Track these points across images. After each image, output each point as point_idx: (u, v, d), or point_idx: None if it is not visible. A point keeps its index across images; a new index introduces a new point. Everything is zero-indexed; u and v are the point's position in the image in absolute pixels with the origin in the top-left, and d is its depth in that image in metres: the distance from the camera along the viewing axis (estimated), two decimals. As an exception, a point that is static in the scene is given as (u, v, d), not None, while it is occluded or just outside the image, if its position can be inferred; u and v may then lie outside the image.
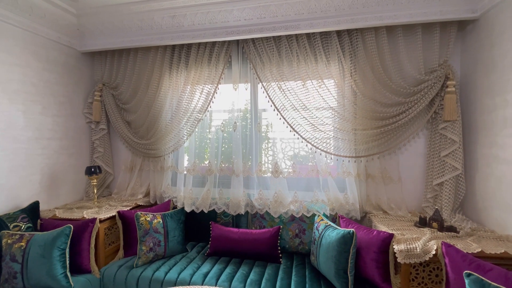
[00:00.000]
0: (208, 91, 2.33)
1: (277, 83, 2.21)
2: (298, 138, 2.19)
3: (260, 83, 2.26)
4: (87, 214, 2.09)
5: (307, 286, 1.69)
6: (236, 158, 2.26)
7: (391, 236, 1.56)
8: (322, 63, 2.17)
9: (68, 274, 1.76)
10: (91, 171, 2.33)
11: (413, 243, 1.50)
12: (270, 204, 2.17)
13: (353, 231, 1.59)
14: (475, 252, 1.40)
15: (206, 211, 2.27)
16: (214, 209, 2.28)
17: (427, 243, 1.49)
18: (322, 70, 2.17)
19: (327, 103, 2.14)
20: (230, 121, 2.35)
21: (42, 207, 2.19)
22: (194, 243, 2.33)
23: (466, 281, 1.13)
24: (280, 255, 2.02)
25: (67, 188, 2.50)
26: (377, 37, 2.06)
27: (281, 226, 2.09)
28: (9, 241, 1.75)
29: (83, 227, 1.91)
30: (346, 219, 1.92)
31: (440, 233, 1.65)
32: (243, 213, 2.25)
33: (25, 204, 2.07)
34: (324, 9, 2.00)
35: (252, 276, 1.80)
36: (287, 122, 2.19)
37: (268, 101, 2.23)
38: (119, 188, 2.67)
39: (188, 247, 2.25)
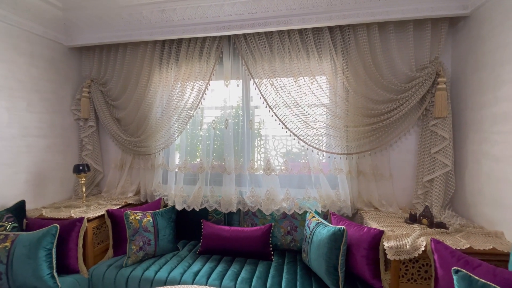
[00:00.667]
0: (199, 87, 2.29)
1: (269, 79, 2.18)
2: (290, 135, 2.18)
3: (252, 80, 2.23)
4: (75, 213, 2.05)
5: (298, 283, 1.68)
6: (227, 156, 2.24)
7: (381, 232, 1.56)
8: (314, 60, 2.15)
9: (55, 274, 1.72)
10: (79, 169, 2.28)
11: (403, 240, 1.50)
12: (262, 202, 2.16)
13: (343, 228, 1.59)
14: (464, 248, 1.41)
15: (197, 209, 2.25)
16: (205, 207, 2.26)
17: (417, 240, 1.50)
18: (314, 66, 2.15)
19: (319, 100, 2.13)
20: (222, 118, 2.32)
21: (28, 206, 2.13)
22: (185, 241, 2.31)
23: (455, 277, 1.13)
24: (272, 252, 2.01)
25: (55, 187, 2.45)
26: (369, 33, 2.05)
27: (272, 224, 2.08)
28: (-8, 241, 1.70)
29: (70, 227, 1.87)
30: (337, 216, 1.92)
31: (430, 229, 1.66)
32: (235, 211, 2.23)
33: (10, 203, 2.01)
34: (316, 5, 1.98)
35: (243, 274, 1.79)
36: (279, 119, 2.17)
37: (260, 98, 2.21)
38: (109, 187, 2.62)
39: (180, 245, 2.22)
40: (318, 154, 2.17)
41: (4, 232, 1.76)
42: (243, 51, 2.24)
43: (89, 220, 1.99)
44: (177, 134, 2.36)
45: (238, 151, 2.30)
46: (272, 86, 2.18)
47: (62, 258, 1.84)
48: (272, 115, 2.18)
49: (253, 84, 2.23)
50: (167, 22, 2.22)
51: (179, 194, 2.30)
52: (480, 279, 1.07)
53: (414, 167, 2.14)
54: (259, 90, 2.20)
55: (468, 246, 1.42)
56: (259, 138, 2.29)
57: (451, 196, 1.97)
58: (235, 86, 2.31)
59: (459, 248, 1.41)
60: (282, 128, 2.18)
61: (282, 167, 2.23)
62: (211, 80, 2.29)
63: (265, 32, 2.19)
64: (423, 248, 1.43)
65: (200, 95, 2.29)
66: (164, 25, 2.23)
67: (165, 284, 1.74)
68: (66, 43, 2.50)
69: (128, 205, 2.37)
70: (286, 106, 2.17)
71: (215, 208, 2.25)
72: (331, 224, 1.90)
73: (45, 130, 2.36)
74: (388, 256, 1.47)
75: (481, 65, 1.75)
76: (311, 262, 1.76)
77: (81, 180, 2.35)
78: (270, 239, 2.02)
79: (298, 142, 2.17)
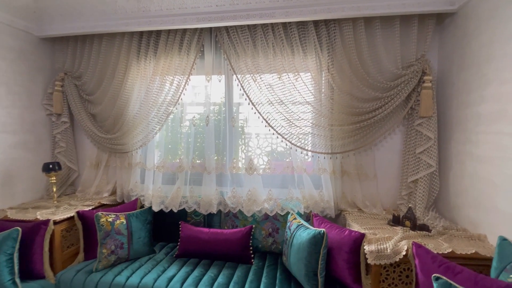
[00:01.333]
0: (179, 82, 2.18)
1: (252, 75, 2.09)
2: (273, 134, 2.09)
3: (235, 75, 2.13)
4: (41, 215, 1.91)
5: (277, 288, 1.61)
6: (208, 154, 2.14)
7: (362, 236, 1.50)
8: (299, 56, 2.07)
9: (17, 280, 1.60)
10: (48, 167, 2.15)
11: (384, 243, 1.44)
12: (243, 203, 2.07)
13: (323, 231, 1.52)
14: (446, 252, 1.36)
15: (175, 210, 2.15)
16: (184, 208, 2.16)
17: (398, 243, 1.44)
18: (299, 63, 2.07)
19: (304, 97, 2.05)
20: (203, 115, 2.22)
21: (-8, 207, 1.99)
22: (164, 243, 2.21)
23: (435, 284, 1.08)
24: (252, 255, 1.93)
25: (25, 186, 2.30)
26: (354, 29, 1.98)
27: (253, 226, 2.00)
28: None
29: (34, 230, 1.74)
30: (319, 218, 1.86)
31: (413, 232, 1.61)
32: (215, 212, 2.14)
33: (-29, 204, 1.87)
34: (300, -3, 1.89)
35: (220, 279, 1.70)
36: (262, 117, 2.08)
37: (243, 94, 2.11)
38: (84, 186, 2.49)
39: (157, 248, 2.12)
40: (302, 153, 2.09)
41: (-40, 236, 1.62)
42: (225, 45, 2.14)
43: (56, 223, 1.87)
44: (155, 131, 2.24)
45: (219, 150, 2.21)
46: (255, 82, 2.09)
47: (27, 263, 1.72)
48: (255, 112, 2.10)
49: (235, 80, 2.13)
50: (144, 13, 2.09)
51: (157, 194, 2.19)
52: (461, 287, 1.02)
53: (399, 167, 2.09)
54: (242, 86, 2.11)
55: (450, 250, 1.38)
56: (242, 136, 2.20)
57: (435, 197, 1.93)
58: (217, 82, 2.21)
59: (441, 252, 1.36)
60: (265, 126, 2.09)
61: (265, 167, 2.14)
62: (191, 74, 2.18)
63: (248, 26, 2.10)
64: (404, 253, 1.37)
65: (180, 90, 2.18)
66: (141, 16, 2.11)
67: (136, 291, 1.64)
68: (37, 33, 2.35)
69: (102, 206, 2.24)
70: (270, 103, 2.08)
71: (194, 209, 2.15)
72: (313, 226, 1.83)
73: (13, 126, 2.20)
74: (369, 261, 1.41)
75: (467, 63, 1.70)
76: (291, 265, 1.68)
77: (52, 180, 2.21)
78: (251, 241, 1.94)
79: (282, 141, 2.09)
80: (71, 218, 1.97)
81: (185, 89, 2.18)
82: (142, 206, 2.24)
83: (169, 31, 2.20)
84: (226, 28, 2.12)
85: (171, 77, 2.19)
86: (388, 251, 1.39)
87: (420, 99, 1.90)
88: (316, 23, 2.04)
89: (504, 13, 1.42)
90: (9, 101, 2.18)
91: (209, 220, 2.20)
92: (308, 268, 1.53)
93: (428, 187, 1.91)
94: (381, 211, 2.02)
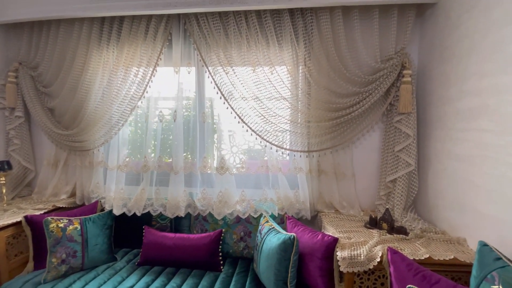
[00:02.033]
0: (144, 73, 2.00)
1: (224, 68, 1.93)
2: (247, 131, 1.95)
3: (206, 68, 1.97)
4: (-18, 220, 1.70)
5: (244, 299, 1.47)
6: (175, 153, 1.97)
7: (335, 240, 1.38)
8: (274, 48, 1.93)
9: None
10: (-5, 167, 1.92)
11: (358, 249, 1.33)
12: (214, 205, 1.92)
13: (293, 236, 1.39)
14: (423, 258, 1.26)
15: (139, 214, 1.97)
16: (149, 211, 1.98)
17: (373, 249, 1.33)
18: (274, 55, 1.93)
19: (279, 92, 1.91)
20: (172, 110, 2.04)
21: None
22: (127, 250, 2.02)
23: (408, 297, 0.97)
24: (222, 262, 1.79)
25: (-29, 188, 2.06)
26: (332, 19, 1.86)
27: (223, 230, 1.85)
28: None
29: (-30, 238, 1.53)
30: (293, 220, 1.73)
31: (389, 235, 1.51)
32: (183, 215, 1.97)
33: None
34: (274, -17, 1.75)
35: (183, 289, 1.55)
36: (236, 113, 1.93)
37: (214, 87, 1.95)
38: (41, 187, 2.26)
39: (119, 255, 1.93)
40: (277, 151, 1.96)
41: None
42: (195, 34, 1.97)
43: (0, 229, 1.66)
44: (118, 127, 2.05)
45: (189, 148, 2.05)
46: (227, 75, 1.94)
47: (-38, 276, 1.50)
48: (227, 108, 1.94)
49: (206, 72, 1.97)
50: (104, -4, 1.90)
51: (119, 196, 2.00)
52: (436, 301, 0.91)
53: (377, 166, 2.00)
54: (213, 80, 1.95)
55: (428, 256, 1.28)
56: (214, 134, 2.04)
57: (414, 197, 1.84)
58: (186, 74, 2.04)
59: (417, 259, 1.26)
60: (239, 123, 1.94)
61: (238, 166, 2.00)
62: (158, 65, 2.00)
63: (219, 13, 1.94)
64: (378, 259, 1.26)
65: (146, 83, 2.00)
66: (101, 0, 1.91)
67: (87, 305, 1.46)
68: (-14, 18, 2.10)
69: (57, 209, 2.03)
70: (243, 99, 1.94)
71: (160, 212, 1.98)
72: (286, 229, 1.70)
73: (-45, 120, 1.96)
74: (341, 268, 1.30)
75: (448, 56, 1.61)
76: (260, 273, 1.55)
77: (1, 180, 1.99)
78: (220, 247, 1.79)
79: (256, 139, 1.95)
80: (19, 223, 1.76)
81: (151, 81, 2.01)
82: (102, 209, 2.05)
83: (133, 17, 2.00)
84: (196, 15, 1.95)
85: (136, 68, 2.00)
86: (362, 257, 1.28)
87: (399, 95, 1.80)
88: (291, 12, 1.91)
89: (486, 1, 1.33)
90: (-50, 92, 1.94)
91: (177, 224, 2.03)
92: (278, 276, 1.40)
93: (407, 187, 1.82)
94: (358, 212, 1.92)
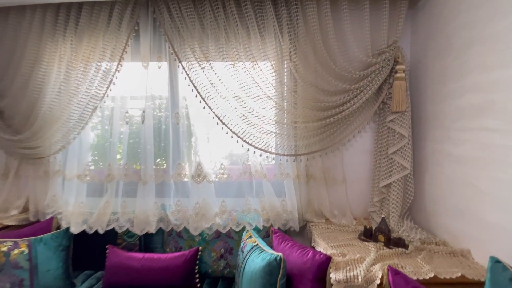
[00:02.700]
0: (107, 69, 1.74)
1: (200, 63, 1.71)
2: (227, 133, 1.74)
3: (179, 63, 1.73)
4: None
5: (224, 331, 1.25)
6: (144, 159, 1.72)
7: (328, 260, 1.20)
8: (256, 41, 1.73)
9: None
10: None
11: (354, 269, 1.15)
12: (190, 218, 1.69)
13: (280, 257, 1.19)
14: (428, 277, 1.10)
15: (101, 231, 1.70)
16: (114, 227, 1.72)
17: (371, 268, 1.16)
18: (256, 49, 1.73)
19: (263, 90, 1.71)
20: (141, 110, 1.79)
21: None
22: (90, 272, 1.75)
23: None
24: (199, 284, 1.56)
25: None
26: (319, 9, 1.68)
27: (200, 248, 1.62)
28: None
29: None
30: (279, 234, 1.53)
31: (387, 249, 1.34)
32: (154, 232, 1.72)
33: None
34: (254, -34, 1.55)
35: (151, 322, 1.31)
36: (214, 113, 1.71)
37: (189, 84, 1.73)
38: (-13, 202, 1.94)
39: (78, 280, 1.66)
40: (261, 155, 1.76)
41: None
42: (166, 24, 1.73)
43: None
44: (77, 131, 1.77)
45: (161, 153, 1.80)
46: (203, 71, 1.72)
47: None
48: (204, 107, 1.72)
49: (179, 68, 1.74)
50: (56, -23, 1.63)
51: (78, 211, 1.73)
52: None
53: (370, 170, 1.85)
54: (188, 76, 1.72)
55: (433, 274, 1.12)
56: (189, 136, 1.80)
57: (410, 203, 1.70)
58: (157, 69, 1.80)
59: (422, 278, 1.09)
60: (218, 124, 1.72)
61: (218, 173, 1.78)
62: (123, 59, 1.74)
63: (193, 0, 1.72)
64: (378, 281, 1.09)
65: (109, 79, 1.74)
66: (52, -18, 1.64)
67: None
68: None
69: (4, 228, 1.72)
70: (222, 97, 1.72)
71: (127, 228, 1.72)
72: (272, 245, 1.50)
73: None
74: (336, 293, 1.11)
75: (444, 50, 1.48)
76: (243, 299, 1.34)
77: None
78: (197, 266, 1.57)
79: (237, 141, 1.74)
80: (-50, 249, 1.45)
81: (116, 77, 1.75)
82: (59, 227, 1.76)
83: (93, 2, 1.74)
84: (166, 2, 1.71)
85: (97, 63, 1.74)
86: (359, 279, 1.10)
87: (392, 92, 1.66)
88: (274, 1, 1.72)
89: (488, -13, 1.19)
90: None
91: (147, 242, 1.77)
92: (263, 304, 1.19)
93: (403, 192, 1.67)
94: (351, 221, 1.75)
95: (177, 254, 1.56)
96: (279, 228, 1.71)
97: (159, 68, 1.80)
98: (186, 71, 1.73)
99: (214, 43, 1.74)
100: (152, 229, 1.70)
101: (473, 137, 1.28)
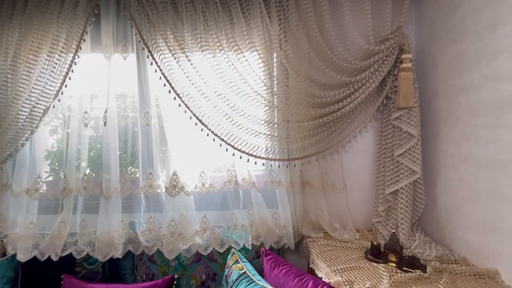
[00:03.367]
0: (60, 60, 1.44)
1: (174, 54, 1.44)
2: (208, 135, 1.47)
3: (149, 54, 1.46)
4: None
5: None
6: (107, 168, 1.43)
7: (334, 294, 0.95)
8: (240, 27, 1.48)
9: None
10: None
11: (368, 306, 0.91)
12: (164, 238, 1.41)
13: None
14: (459, 314, 0.87)
15: (55, 258, 1.39)
16: (71, 252, 1.42)
17: (388, 303, 0.92)
18: (241, 37, 1.48)
19: (249, 85, 1.46)
20: (101, 110, 1.50)
21: None
22: (44, 306, 1.44)
23: None
24: (176, 319, 1.29)
25: None
26: (313, -11, 1.45)
27: (176, 275, 1.35)
28: None
29: None
30: (272, 257, 1.28)
31: (401, 274, 1.11)
32: (120, 256, 1.43)
33: None
34: None
35: None
36: (192, 113, 1.44)
37: (160, 78, 1.45)
38: None
39: (28, 318, 1.35)
40: (248, 161, 1.50)
41: None
42: (133, 7, 1.44)
43: None
44: (26, 135, 1.46)
45: (128, 161, 1.52)
46: (178, 64, 1.44)
47: None
48: (179, 105, 1.45)
49: (148, 57, 1.46)
50: None
51: (27, 233, 1.41)
52: None
53: (373, 175, 1.62)
54: (160, 70, 1.45)
55: (464, 309, 0.89)
56: (162, 140, 1.52)
57: (420, 213, 1.49)
58: (122, 62, 1.52)
59: (452, 315, 0.87)
60: (196, 125, 1.46)
61: (198, 183, 1.51)
62: (80, 49, 1.45)
63: (164, -20, 1.44)
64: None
65: (63, 74, 1.44)
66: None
67: None
68: None
69: None
70: (202, 95, 1.46)
71: (88, 253, 1.42)
72: (263, 270, 1.25)
73: None
74: None
75: (459, 34, 1.27)
76: None
77: None
78: (173, 298, 1.29)
79: (220, 145, 1.48)
80: None
81: (72, 71, 1.45)
82: (5, 254, 1.44)
83: (42, -18, 1.44)
84: (132, -19, 1.44)
85: (49, 54, 1.43)
86: (375, 320, 0.86)
87: (398, 85, 1.44)
88: (261, -20, 1.47)
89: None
90: None
91: (112, 268, 1.47)
92: None
93: (412, 200, 1.46)
94: (353, 234, 1.52)
95: (147, 284, 1.28)
96: (271, 248, 1.46)
97: (124, 59, 1.51)
98: (157, 64, 1.45)
99: (191, 31, 1.48)
100: (118, 254, 1.40)
101: (500, 136, 1.07)
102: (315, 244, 1.43)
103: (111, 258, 1.42)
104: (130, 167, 1.52)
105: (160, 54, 1.44)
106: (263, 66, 1.49)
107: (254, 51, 1.49)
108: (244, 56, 1.47)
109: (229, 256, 1.31)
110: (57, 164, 1.65)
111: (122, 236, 1.41)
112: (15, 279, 1.34)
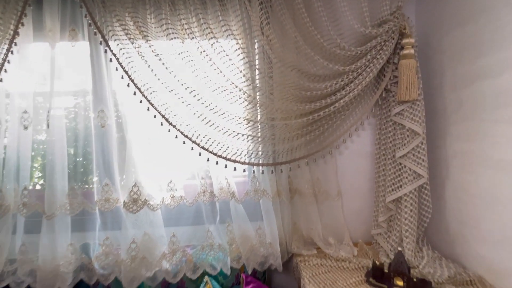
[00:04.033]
0: (-9, 49, 1.17)
1: (134, 42, 1.19)
2: (177, 137, 1.23)
3: (103, 41, 1.20)
4: None
5: None
6: (50, 180, 1.17)
7: None
8: (215, 10, 1.25)
9: None
10: None
11: None
12: (123, 265, 1.16)
13: None
14: None
15: (-16, 294, 1.13)
16: (9, 284, 1.15)
17: None
18: (215, 21, 1.25)
19: (226, 77, 1.23)
20: (44, 110, 1.23)
21: None
22: None
23: None
24: None
25: None
26: (298, -36, 1.23)
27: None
28: None
29: None
30: (255, 285, 1.04)
31: (413, 304, 0.90)
32: None
33: None
34: None
35: None
36: (157, 111, 1.20)
37: (117, 69, 1.20)
38: None
39: None
40: (226, 167, 1.27)
41: None
42: (83, -16, 1.20)
43: None
44: (-50, 141, 1.19)
45: (78, 170, 1.25)
46: (139, 53, 1.20)
47: None
48: (141, 101, 1.20)
49: (101, 43, 1.20)
50: None
51: (-51, 264, 1.14)
52: None
53: (371, 180, 1.42)
54: (117, 59, 1.20)
55: None
56: (121, 144, 1.27)
57: (427, 224, 1.28)
58: (70, 51, 1.26)
59: None
60: (162, 125, 1.22)
61: (165, 194, 1.26)
62: (18, 36, 1.18)
63: (119, -49, 1.19)
64: None
65: (-4, 65, 1.17)
66: None
67: None
68: None
69: None
70: (170, 90, 1.21)
71: (29, 285, 1.15)
72: (243, 302, 1.02)
73: None
74: None
75: (469, 13, 1.08)
76: None
77: None
78: None
79: (192, 149, 1.24)
80: None
81: (7, 62, 1.18)
82: None
83: (-36, -49, 1.17)
84: (78, -49, 1.18)
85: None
86: None
87: (399, 75, 1.23)
88: (236, -48, 1.24)
89: None
90: None
91: (60, 301, 1.22)
92: None
93: (418, 209, 1.25)
94: (351, 250, 1.30)
95: (98, 326, 1.03)
96: (254, 271, 1.23)
97: (73, 47, 1.25)
98: (113, 52, 1.20)
99: (155, 15, 1.23)
100: (66, 285, 1.14)
101: (528, 132, 0.87)
102: (306, 264, 1.21)
103: (59, 290, 1.16)
104: (83, 178, 1.25)
105: (116, 40, 1.19)
106: (242, 55, 1.26)
107: (231, 37, 1.26)
108: (220, 44, 1.23)
109: (202, 285, 1.07)
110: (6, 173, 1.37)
111: (71, 263, 1.15)
112: None
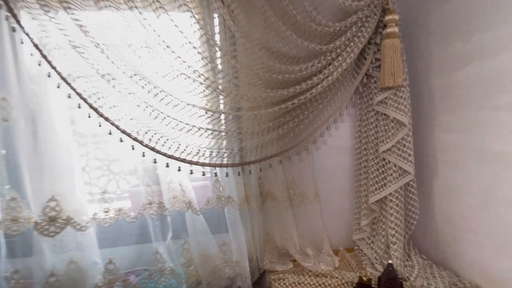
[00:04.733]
0: None
1: (49, 13, 0.87)
2: (111, 133, 0.95)
3: (9, 13, 0.86)
4: None
5: None
6: None
7: None
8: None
9: None
10: None
11: None
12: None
13: None
14: None
15: None
16: None
17: None
18: (163, -15, 0.97)
19: (179, 57, 0.96)
20: None
21: None
22: None
23: None
24: None
25: None
26: None
27: None
28: None
29: None
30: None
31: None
32: None
33: None
34: None
35: None
36: (88, 104, 0.91)
37: (23, 42, 0.89)
38: None
39: None
40: (180, 170, 1.01)
41: None
42: None
43: None
44: None
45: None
46: (60, 27, 0.89)
47: None
48: (58, 85, 0.90)
49: (1, 7, 0.87)
50: None
51: None
52: None
53: (352, 178, 1.25)
54: (22, 29, 0.87)
55: None
56: (32, 143, 0.95)
57: (414, 226, 1.14)
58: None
59: None
60: (89, 117, 0.92)
61: (98, 208, 0.97)
62: None
63: None
64: None
65: None
66: None
67: None
68: None
69: None
70: (102, 76, 0.92)
71: None
72: None
73: None
74: None
75: (463, -17, 0.93)
76: None
77: None
78: None
79: (133, 148, 0.96)
80: None
81: None
82: None
83: None
84: None
85: None
86: None
87: (382, 57, 1.06)
88: None
89: None
90: None
91: None
92: None
93: (404, 210, 1.11)
94: (331, 261, 1.12)
95: None
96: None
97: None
98: (17, 19, 0.88)
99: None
100: None
101: (536, 120, 0.74)
102: (281, 283, 1.00)
103: None
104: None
105: (28, 12, 0.87)
106: (199, 31, 1.00)
107: (183, 8, 0.99)
108: (168, 15, 0.96)
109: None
110: None
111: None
112: None
